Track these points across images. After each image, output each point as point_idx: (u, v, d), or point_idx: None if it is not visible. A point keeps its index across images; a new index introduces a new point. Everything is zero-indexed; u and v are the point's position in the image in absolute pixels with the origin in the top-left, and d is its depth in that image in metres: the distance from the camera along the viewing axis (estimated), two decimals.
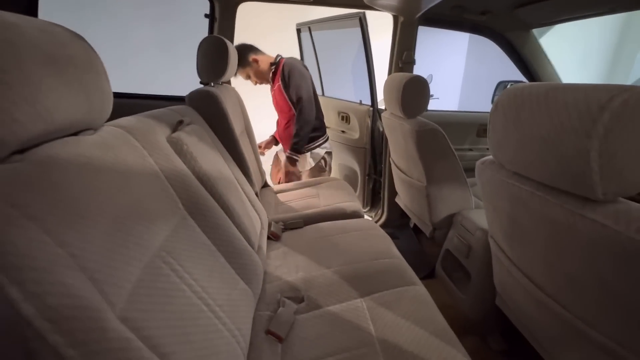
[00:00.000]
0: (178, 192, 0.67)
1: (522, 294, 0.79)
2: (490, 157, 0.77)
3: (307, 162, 1.90)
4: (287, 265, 0.99)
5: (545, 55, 1.82)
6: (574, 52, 3.53)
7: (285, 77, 1.70)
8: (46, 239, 0.33)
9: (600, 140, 0.45)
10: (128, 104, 1.55)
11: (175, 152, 0.75)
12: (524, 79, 1.96)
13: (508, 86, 1.94)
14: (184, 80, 1.77)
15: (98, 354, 0.33)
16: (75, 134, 0.50)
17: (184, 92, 1.71)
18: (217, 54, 1.20)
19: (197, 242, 0.66)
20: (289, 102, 1.75)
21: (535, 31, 1.76)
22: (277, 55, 1.78)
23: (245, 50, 1.71)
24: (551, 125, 0.51)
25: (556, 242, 0.59)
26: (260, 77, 1.79)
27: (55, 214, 0.36)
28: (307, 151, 1.87)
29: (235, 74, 1.64)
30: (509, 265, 0.81)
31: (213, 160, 0.89)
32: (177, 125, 0.83)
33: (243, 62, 1.71)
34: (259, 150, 1.76)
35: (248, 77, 1.79)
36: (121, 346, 0.35)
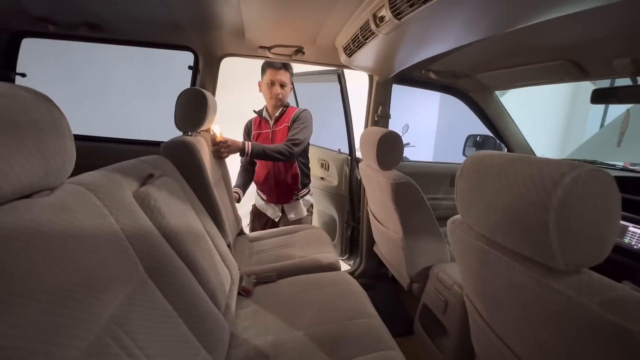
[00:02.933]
0: (139, 253, 0.63)
1: (499, 358, 0.76)
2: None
3: (300, 209, 1.88)
4: (257, 326, 0.93)
5: (507, 114, 1.98)
6: (534, 108, 3.88)
7: (293, 120, 1.75)
8: None
9: (557, 214, 0.47)
10: (103, 147, 1.52)
11: (141, 207, 0.72)
12: (491, 133, 2.11)
13: (489, 140, 2.06)
14: (165, 126, 1.79)
15: None
16: (28, 195, 0.47)
17: (164, 137, 1.72)
18: (195, 105, 1.22)
19: (155, 309, 0.61)
20: None
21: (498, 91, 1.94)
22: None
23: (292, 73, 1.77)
24: (512, 196, 0.54)
25: (526, 309, 0.59)
26: (285, 97, 1.76)
27: None
28: (300, 198, 1.86)
29: (278, 70, 1.67)
30: (483, 326, 0.79)
31: (182, 214, 0.86)
32: (146, 179, 0.81)
33: (290, 78, 1.75)
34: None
35: (282, 85, 1.72)
36: None
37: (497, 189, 0.57)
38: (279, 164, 1.77)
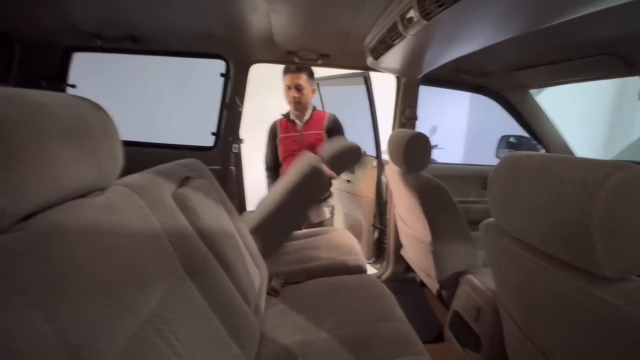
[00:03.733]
0: (177, 251, 0.67)
1: None
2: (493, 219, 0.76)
3: (322, 211, 1.89)
4: (285, 326, 0.95)
5: (544, 113, 1.88)
6: (574, 106, 3.64)
7: (330, 128, 1.79)
8: (35, 315, 0.32)
9: (600, 218, 0.44)
10: (143, 152, 1.63)
11: (179, 207, 0.76)
12: (526, 133, 2.00)
13: (522, 140, 1.96)
14: (196, 131, 1.88)
15: None
16: (82, 195, 0.52)
17: (197, 142, 1.80)
18: None
19: (192, 304, 0.64)
20: None
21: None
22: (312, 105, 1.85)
23: (314, 76, 1.76)
24: (549, 198, 0.51)
25: (566, 317, 0.56)
26: (304, 100, 1.74)
27: (48, 287, 0.36)
28: (322, 202, 1.88)
29: (294, 74, 1.67)
30: (519, 334, 0.76)
31: (216, 215, 0.90)
32: (183, 181, 0.85)
33: (310, 80, 1.73)
34: None
35: (299, 89, 1.70)
36: None
37: (534, 192, 0.55)
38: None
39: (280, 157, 1.86)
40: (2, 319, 0.29)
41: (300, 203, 1.31)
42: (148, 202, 0.65)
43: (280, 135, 1.85)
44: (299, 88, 1.70)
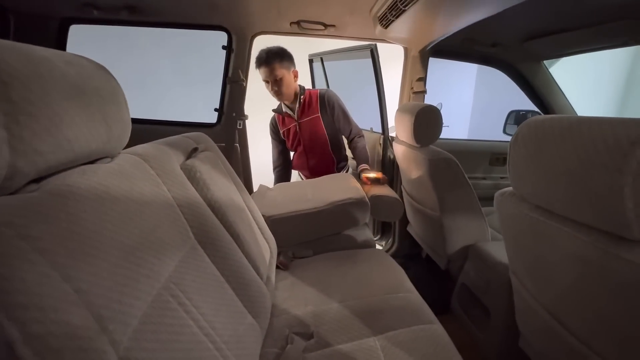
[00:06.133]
0: (189, 221, 0.66)
1: (549, 337, 0.73)
2: (510, 188, 0.75)
3: None
4: (296, 298, 0.95)
5: (557, 86, 1.82)
6: (586, 81, 3.54)
7: (324, 106, 1.67)
8: (53, 273, 0.31)
9: (634, 176, 0.42)
10: (146, 129, 1.60)
11: (188, 179, 0.75)
12: (534, 108, 1.96)
13: (528, 115, 1.92)
14: (201, 106, 1.83)
15: None
16: (93, 161, 0.50)
17: (199, 118, 1.76)
18: None
19: (206, 273, 0.64)
20: (326, 133, 1.71)
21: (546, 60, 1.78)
22: (300, 87, 1.68)
23: (291, 57, 1.58)
24: (578, 161, 0.49)
25: (588, 282, 0.55)
26: (287, 91, 1.58)
27: (67, 247, 0.35)
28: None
29: (266, 66, 1.49)
30: (533, 304, 0.76)
31: (225, 187, 0.89)
32: (191, 153, 0.83)
33: (287, 64, 1.55)
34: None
35: (277, 81, 1.54)
36: None
37: (560, 155, 0.53)
38: (303, 153, 1.77)
39: (290, 150, 1.82)
40: (22, 274, 0.28)
41: (334, 223, 1.27)
42: (158, 171, 0.64)
43: (281, 130, 1.78)
44: (276, 79, 1.54)
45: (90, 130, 0.43)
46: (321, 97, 1.67)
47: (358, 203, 1.25)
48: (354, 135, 1.72)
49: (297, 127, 1.71)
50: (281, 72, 1.53)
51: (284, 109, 1.70)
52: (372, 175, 1.51)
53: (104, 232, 0.41)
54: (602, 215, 0.48)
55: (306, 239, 1.26)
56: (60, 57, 0.42)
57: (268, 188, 1.55)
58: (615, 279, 0.48)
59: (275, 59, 1.50)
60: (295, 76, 1.62)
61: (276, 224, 1.18)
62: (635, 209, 0.43)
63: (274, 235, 1.13)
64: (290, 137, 1.76)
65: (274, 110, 1.77)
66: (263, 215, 1.16)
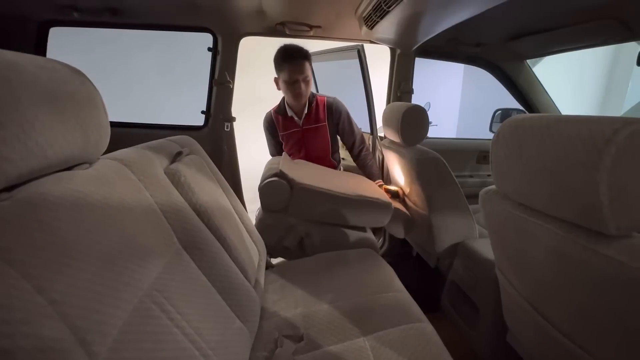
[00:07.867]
0: (173, 226, 0.65)
1: (535, 331, 0.74)
2: (494, 186, 0.76)
3: None
4: (286, 300, 0.95)
5: (540, 84, 1.86)
6: (569, 79, 3.63)
7: (331, 115, 1.60)
8: (25, 285, 0.30)
9: (609, 173, 0.43)
10: (130, 133, 1.57)
11: (172, 183, 0.73)
12: (520, 107, 1.99)
13: (512, 114, 1.96)
14: (187, 109, 1.81)
15: None
16: (70, 168, 0.49)
17: (186, 121, 1.74)
18: None
19: (191, 279, 0.63)
20: (330, 142, 1.65)
21: (529, 60, 1.81)
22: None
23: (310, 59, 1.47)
24: (556, 158, 0.50)
25: (569, 278, 0.57)
26: (308, 93, 1.51)
27: (40, 257, 0.34)
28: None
29: (297, 65, 1.39)
30: (519, 299, 0.77)
31: (211, 191, 0.88)
32: (175, 157, 0.82)
33: (310, 65, 1.47)
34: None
35: (307, 81, 1.45)
36: None
37: (539, 153, 0.54)
38: (316, 159, 1.66)
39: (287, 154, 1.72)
40: None
41: (356, 216, 1.28)
42: (140, 176, 0.62)
43: (280, 133, 1.64)
44: (306, 79, 1.43)
45: (65, 135, 0.42)
46: (329, 106, 1.59)
47: (385, 206, 1.28)
48: (359, 148, 1.65)
49: (301, 133, 1.61)
50: (309, 72, 1.45)
51: (289, 112, 1.57)
52: (393, 188, 1.52)
53: (80, 240, 0.40)
54: (581, 212, 0.49)
55: (324, 219, 1.26)
56: (32, 61, 0.41)
57: (291, 160, 1.50)
58: (594, 274, 0.49)
59: (306, 58, 1.43)
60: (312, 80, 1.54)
61: (303, 193, 1.19)
62: (610, 205, 0.44)
63: (296, 204, 1.12)
64: (291, 142, 1.64)
65: (275, 111, 1.64)
66: (292, 180, 1.18)
